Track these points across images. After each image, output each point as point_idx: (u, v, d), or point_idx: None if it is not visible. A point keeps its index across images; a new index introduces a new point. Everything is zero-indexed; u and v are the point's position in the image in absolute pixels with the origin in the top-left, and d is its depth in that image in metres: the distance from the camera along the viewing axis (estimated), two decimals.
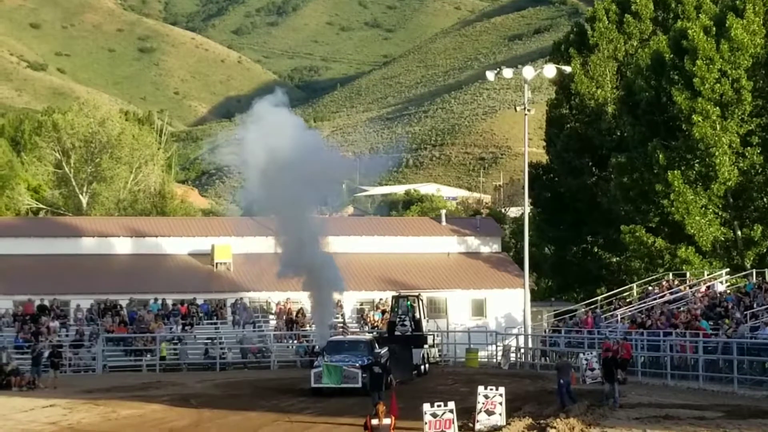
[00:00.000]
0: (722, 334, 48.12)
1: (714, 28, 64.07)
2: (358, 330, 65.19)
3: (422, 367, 56.07)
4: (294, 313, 66.46)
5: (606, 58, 75.65)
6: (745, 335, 46.84)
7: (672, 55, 65.24)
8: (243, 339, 64.58)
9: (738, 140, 63.55)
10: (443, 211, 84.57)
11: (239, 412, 40.14)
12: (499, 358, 64.72)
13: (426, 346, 58.01)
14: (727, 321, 49.88)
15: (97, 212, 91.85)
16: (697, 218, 63.67)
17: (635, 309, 60.33)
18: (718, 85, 63.05)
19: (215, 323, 66.20)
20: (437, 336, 64.69)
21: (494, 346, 66.60)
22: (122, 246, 71.37)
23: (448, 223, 78.56)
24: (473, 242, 76.36)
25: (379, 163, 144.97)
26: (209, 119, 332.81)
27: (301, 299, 63.59)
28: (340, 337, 52.80)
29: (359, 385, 45.34)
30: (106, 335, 61.87)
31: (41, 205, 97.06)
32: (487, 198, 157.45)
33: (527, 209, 71.07)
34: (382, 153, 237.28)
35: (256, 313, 67.25)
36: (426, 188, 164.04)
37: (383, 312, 66.96)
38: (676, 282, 62.72)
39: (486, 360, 65.37)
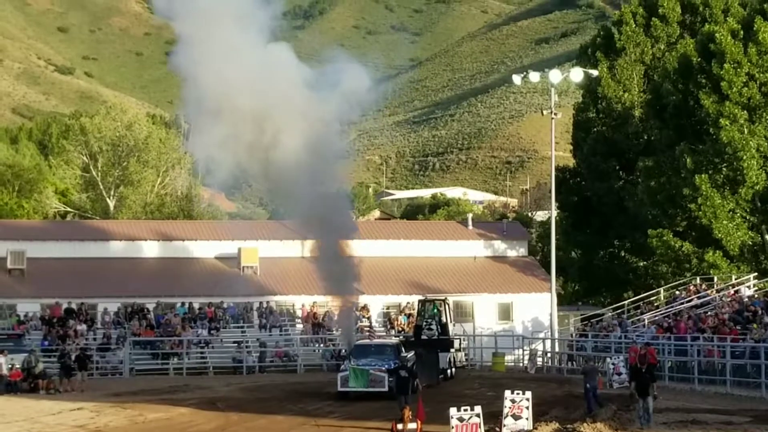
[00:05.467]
0: (750, 339, 47.92)
1: (742, 32, 63.87)
2: (384, 334, 65.19)
3: (449, 371, 56.02)
4: (320, 317, 66.51)
5: (633, 61, 75.46)
6: None
7: (699, 59, 65.04)
8: (270, 342, 64.67)
9: (766, 144, 63.30)
10: (470, 215, 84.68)
11: (266, 416, 40.21)
12: (525, 362, 64.61)
13: (452, 350, 57.99)
14: (755, 325, 49.64)
15: (124, 216, 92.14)
16: (725, 222, 63.42)
17: (662, 313, 60.12)
18: (746, 88, 62.84)
19: (242, 327, 66.31)
20: (464, 340, 64.68)
21: (521, 350, 66.50)
22: (149, 249, 71.53)
23: (475, 227, 78.45)
24: (500, 246, 76.19)
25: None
26: None
27: (327, 303, 63.76)
28: (366, 341, 52.70)
29: (386, 388, 45.27)
30: (132, 338, 62.07)
31: (69, 209, 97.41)
32: (513, 202, 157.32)
33: (554, 213, 70.82)
34: (408, 157, 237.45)
35: (282, 317, 67.34)
36: (452, 192, 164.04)
37: (409, 316, 66.94)
38: (704, 286, 62.49)
39: (513, 364, 65.27)
